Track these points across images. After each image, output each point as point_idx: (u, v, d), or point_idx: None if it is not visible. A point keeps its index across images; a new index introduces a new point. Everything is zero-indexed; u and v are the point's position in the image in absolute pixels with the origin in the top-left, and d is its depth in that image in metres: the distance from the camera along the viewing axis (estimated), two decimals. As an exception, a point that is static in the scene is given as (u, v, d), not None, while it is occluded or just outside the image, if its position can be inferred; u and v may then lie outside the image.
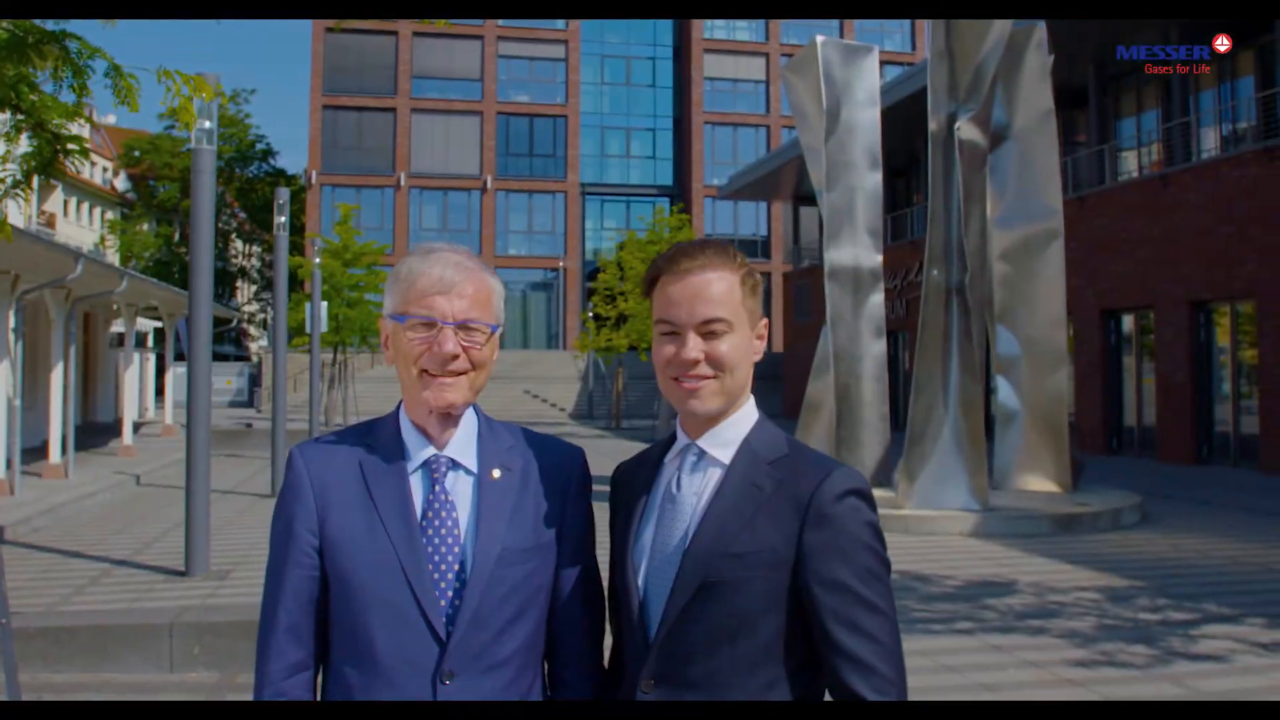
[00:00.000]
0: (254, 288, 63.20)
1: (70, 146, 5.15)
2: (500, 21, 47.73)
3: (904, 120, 23.93)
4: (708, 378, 1.76)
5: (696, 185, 50.82)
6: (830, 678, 1.70)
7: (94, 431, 24.58)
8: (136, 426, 23.53)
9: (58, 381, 16.34)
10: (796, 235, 40.88)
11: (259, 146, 58.49)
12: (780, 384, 41.79)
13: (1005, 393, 14.21)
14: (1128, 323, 22.04)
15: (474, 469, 1.85)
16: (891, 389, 17.34)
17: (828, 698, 1.77)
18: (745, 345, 1.78)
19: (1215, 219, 18.90)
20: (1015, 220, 14.01)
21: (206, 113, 9.12)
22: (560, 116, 50.10)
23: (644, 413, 36.86)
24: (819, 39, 14.47)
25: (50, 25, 4.26)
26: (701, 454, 1.81)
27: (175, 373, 28.24)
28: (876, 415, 14.48)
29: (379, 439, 1.87)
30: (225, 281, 58.76)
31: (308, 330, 21.10)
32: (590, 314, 39.05)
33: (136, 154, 57.90)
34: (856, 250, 14.60)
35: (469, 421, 1.89)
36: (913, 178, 32.29)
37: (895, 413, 18.40)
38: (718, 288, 1.75)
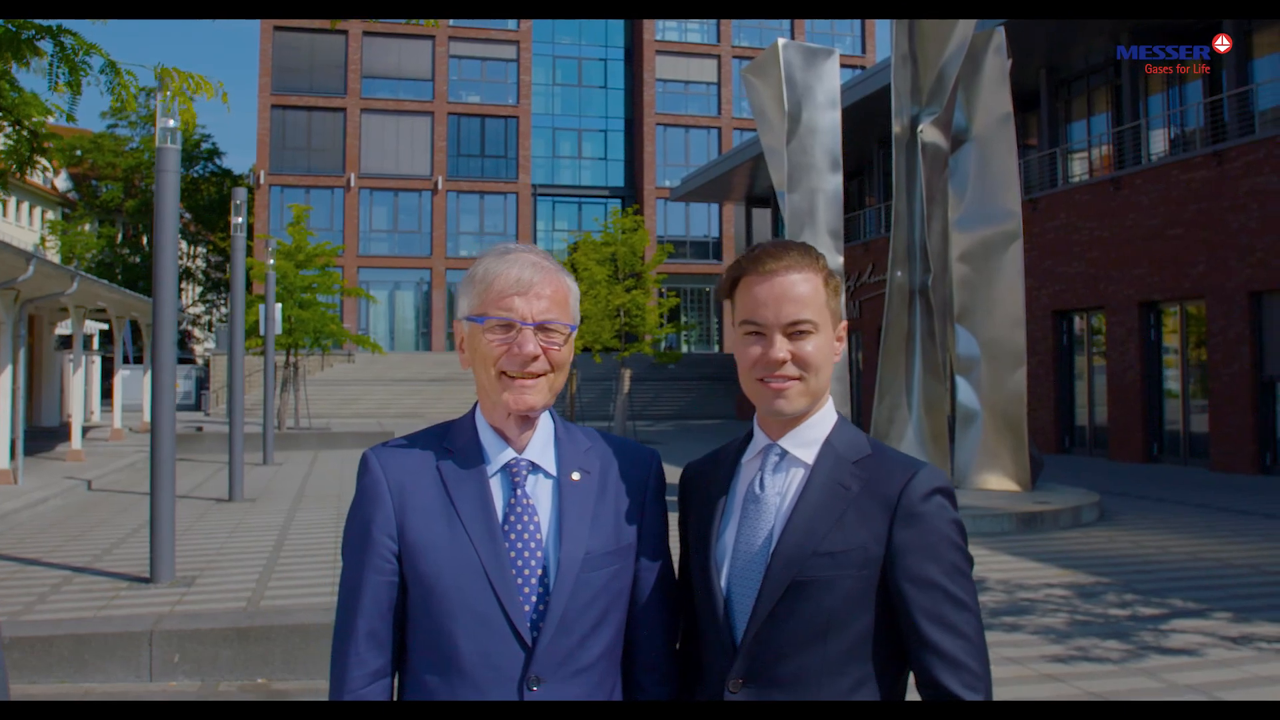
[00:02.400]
0: (199, 289, 62.26)
1: (48, 145, 5.02)
2: (451, 21, 47.44)
3: (856, 123, 24.13)
4: (794, 378, 1.76)
5: (648, 187, 50.87)
6: (920, 674, 1.72)
7: (38, 436, 24.08)
8: (84, 430, 23.07)
9: (6, 385, 15.99)
10: (749, 237, 41.06)
11: (205, 146, 57.64)
12: (732, 385, 41.96)
13: (965, 393, 14.38)
14: (1079, 323, 22.40)
15: (553, 472, 1.84)
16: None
17: (910, 695, 1.78)
18: (828, 346, 1.79)
19: (1165, 221, 19.26)
20: (974, 222, 14.18)
21: (171, 111, 8.98)
22: (512, 117, 49.91)
23: (598, 414, 36.81)
24: (780, 42, 14.55)
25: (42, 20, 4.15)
26: (784, 454, 1.81)
27: (123, 375, 27.75)
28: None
29: (456, 442, 1.85)
30: (170, 283, 57.80)
31: (261, 332, 20.87)
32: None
33: (78, 153, 56.79)
34: (818, 251, 14.68)
35: (545, 423, 1.87)
36: (865, 180, 32.57)
37: (852, 414, 18.51)
38: (803, 289, 1.76)
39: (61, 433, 25.39)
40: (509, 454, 1.83)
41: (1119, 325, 20.59)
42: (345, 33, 47.13)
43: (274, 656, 5.98)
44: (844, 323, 1.84)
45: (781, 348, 1.75)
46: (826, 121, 14.87)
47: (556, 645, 1.73)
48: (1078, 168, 24.17)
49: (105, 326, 29.75)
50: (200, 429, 27.10)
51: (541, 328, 1.78)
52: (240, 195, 14.84)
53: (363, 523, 1.80)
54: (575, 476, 1.83)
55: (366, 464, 1.83)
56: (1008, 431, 13.87)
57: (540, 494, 1.82)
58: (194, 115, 4.38)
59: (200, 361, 55.00)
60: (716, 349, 50.79)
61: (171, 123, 9.20)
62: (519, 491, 1.80)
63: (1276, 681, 6.13)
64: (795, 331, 1.75)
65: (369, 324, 46.78)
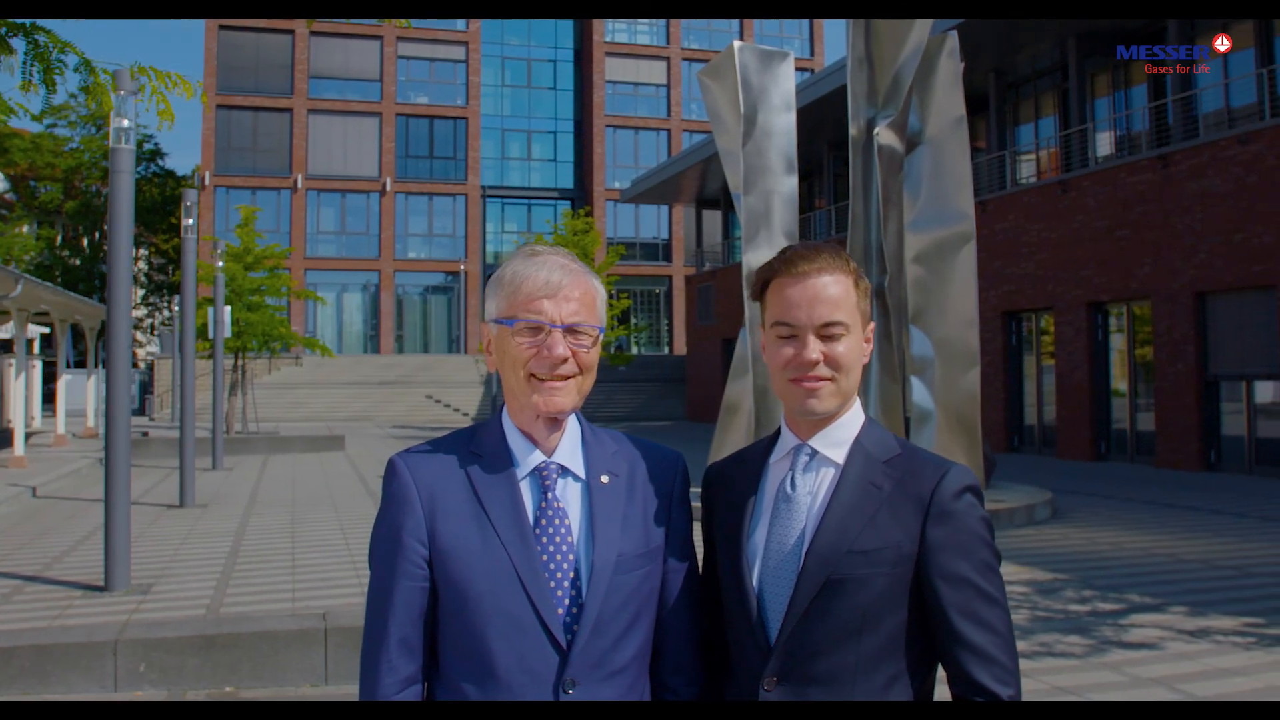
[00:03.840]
0: (141, 292, 61.22)
1: (7, 146, 4.89)
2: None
3: (807, 126, 24.26)
4: (826, 379, 1.78)
5: (598, 188, 50.86)
6: (952, 668, 1.75)
7: (-22, 442, 23.55)
8: (27, 436, 22.56)
9: (-52, 390, 15.61)
10: (699, 239, 41.19)
11: (146, 147, 56.68)
12: (682, 386, 42.06)
13: (919, 393, 14.49)
14: (1028, 324, 22.72)
15: (582, 474, 1.83)
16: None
17: (938, 693, 1.80)
18: (859, 347, 1.81)
19: (1112, 223, 19.59)
20: (928, 224, 14.30)
21: (125, 111, 8.81)
22: (460, 118, 49.66)
23: (550, 416, 36.70)
24: (736, 44, 14.62)
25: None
26: (814, 454, 1.83)
27: (65, 380, 27.23)
28: (794, 416, 14.63)
29: (483, 446, 1.84)
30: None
31: (210, 335, 20.58)
32: (494, 317, 38.73)
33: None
34: (773, 253, 14.73)
35: (573, 426, 1.87)
36: (816, 182, 32.79)
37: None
38: (835, 290, 1.78)
39: (3, 439, 24.85)
40: (538, 457, 1.82)
41: (1067, 325, 20.92)
42: (292, 32, 46.63)
43: (241, 665, 5.89)
44: (871, 324, 1.86)
45: (814, 348, 1.77)
46: (782, 124, 14.97)
47: (591, 648, 1.73)
48: (1025, 170, 24.52)
49: (46, 330, 29.14)
50: (146, 434, 26.63)
51: (570, 330, 1.78)
52: (191, 197, 14.64)
53: (392, 528, 1.78)
54: (604, 479, 1.83)
55: (394, 469, 1.81)
56: (962, 431, 13.99)
57: (570, 497, 1.82)
58: (173, 115, 4.28)
59: (143, 365, 54.08)
60: (667, 351, 50.89)
61: (125, 122, 9.02)
62: (549, 495, 1.80)
63: (1236, 673, 6.26)
64: (828, 333, 1.77)
65: (316, 327, 46.33)
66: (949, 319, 14.15)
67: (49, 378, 37.70)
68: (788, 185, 14.88)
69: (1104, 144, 22.20)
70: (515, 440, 1.83)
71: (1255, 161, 16.82)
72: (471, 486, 1.78)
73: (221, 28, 46.08)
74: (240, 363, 27.51)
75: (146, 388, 43.63)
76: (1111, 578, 9.22)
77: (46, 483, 17.02)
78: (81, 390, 34.76)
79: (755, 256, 14.57)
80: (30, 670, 5.63)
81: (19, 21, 3.97)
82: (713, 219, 41.72)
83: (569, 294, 1.79)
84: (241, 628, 6.07)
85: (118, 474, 8.65)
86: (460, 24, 49.20)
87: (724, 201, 36.77)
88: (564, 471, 1.82)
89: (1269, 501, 14.15)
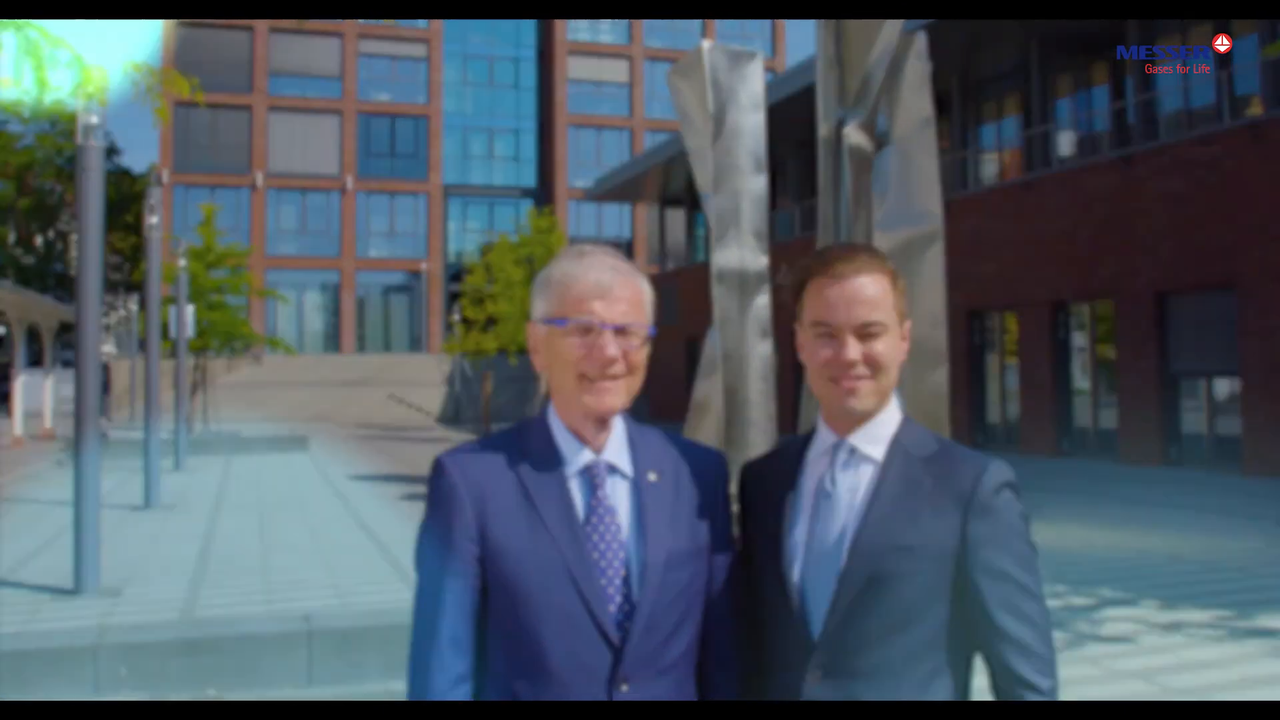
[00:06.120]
0: (97, 291, 60.22)
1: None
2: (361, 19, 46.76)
3: (770, 125, 24.22)
4: (865, 378, 1.81)
5: (560, 187, 50.80)
6: (992, 660, 1.79)
7: (-67, 444, 23.13)
8: (-18, 438, 22.23)
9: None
10: (662, 238, 41.20)
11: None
12: (647, 384, 42.03)
13: (888, 391, 14.61)
14: (992, 323, 22.93)
15: (629, 473, 1.85)
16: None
17: (976, 687, 1.83)
18: (897, 345, 1.84)
19: (1075, 223, 19.83)
20: (896, 224, 14.28)
21: (93, 108, 8.68)
22: (422, 116, 49.42)
23: (514, 416, 36.62)
24: (705, 44, 14.67)
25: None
26: (853, 451, 1.85)
27: (22, 380, 26.81)
28: (764, 415, 14.55)
29: (531, 445, 1.84)
30: (66, 285, 55.93)
31: (172, 335, 20.36)
32: (457, 316, 38.71)
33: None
34: (742, 252, 14.65)
35: (619, 425, 1.89)
36: (779, 182, 32.87)
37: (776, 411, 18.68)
38: (873, 290, 1.81)
39: (-45, 441, 24.44)
40: (587, 456, 1.83)
41: (1030, 324, 21.15)
42: (251, 29, 46.16)
43: (224, 668, 5.84)
44: (908, 322, 1.89)
45: (853, 348, 1.79)
46: (750, 123, 14.94)
47: (643, 645, 1.74)
48: (988, 171, 24.74)
49: (2, 330, 28.69)
50: (105, 435, 26.27)
51: (621, 330, 1.80)
52: (155, 195, 14.49)
53: (442, 528, 1.78)
54: (652, 477, 1.85)
55: (442, 469, 1.81)
56: (930, 429, 14.12)
57: (618, 495, 1.83)
58: (167, 116, 4.22)
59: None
60: (630, 350, 50.84)
61: (94, 119, 8.90)
62: (599, 493, 1.81)
63: (1210, 665, 6.38)
64: (867, 332, 1.80)
65: (276, 326, 45.91)
66: (917, 318, 13.94)
67: (3, 378, 37.10)
68: (757, 184, 14.76)
69: (1066, 145, 22.44)
70: (563, 439, 1.84)
71: (1215, 163, 17.08)
72: (521, 485, 1.79)
73: (179, 24, 45.51)
74: (201, 363, 27.24)
75: (103, 388, 43.00)
76: (1082, 573, 9.33)
77: (6, 485, 16.77)
78: (39, 391, 34.22)
79: (724, 256, 14.50)
80: (9, 675, 5.55)
81: (11, 20, 3.90)
82: (676, 218, 41.75)
83: (619, 294, 1.80)
84: (223, 630, 6.02)
85: (87, 475, 8.53)
86: (422, 21, 48.94)
87: (687, 201, 36.81)
88: (612, 470, 1.84)
89: (1229, 497, 14.39)
